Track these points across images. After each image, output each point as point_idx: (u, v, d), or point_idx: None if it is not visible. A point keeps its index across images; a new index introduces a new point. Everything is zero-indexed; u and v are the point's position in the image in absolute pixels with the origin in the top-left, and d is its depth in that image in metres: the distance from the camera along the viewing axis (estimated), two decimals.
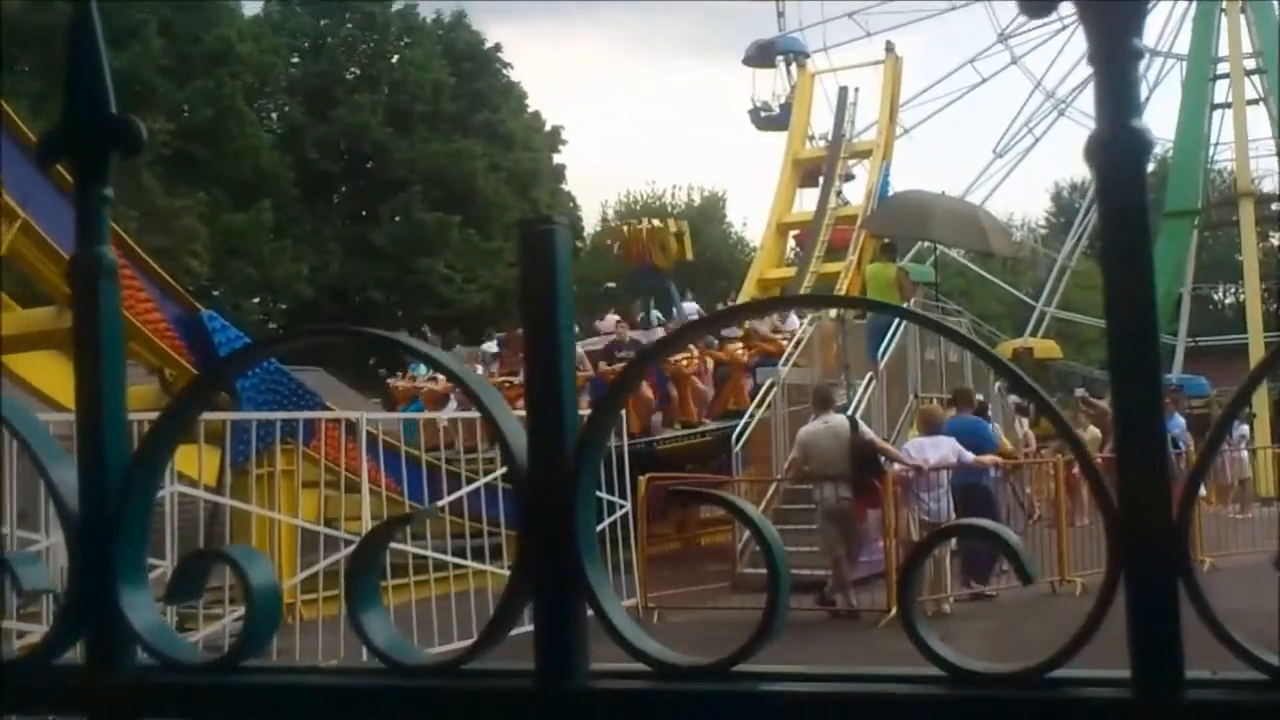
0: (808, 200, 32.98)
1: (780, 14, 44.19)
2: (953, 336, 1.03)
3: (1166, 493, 0.70)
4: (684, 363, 18.58)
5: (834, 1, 45.76)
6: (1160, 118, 44.80)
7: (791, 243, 34.45)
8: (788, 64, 38.92)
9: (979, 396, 18.76)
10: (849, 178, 32.48)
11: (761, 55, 41.29)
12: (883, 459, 12.79)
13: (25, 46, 39.58)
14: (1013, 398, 19.89)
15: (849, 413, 13.97)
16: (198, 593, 1.01)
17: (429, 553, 11.71)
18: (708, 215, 57.55)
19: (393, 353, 44.05)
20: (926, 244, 39.55)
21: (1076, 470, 16.12)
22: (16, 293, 14.27)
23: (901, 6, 45.21)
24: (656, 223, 25.85)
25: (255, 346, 0.95)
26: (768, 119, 38.57)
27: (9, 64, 37.13)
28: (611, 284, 41.47)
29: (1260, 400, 26.87)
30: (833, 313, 23.18)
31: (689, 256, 24.95)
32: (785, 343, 18.87)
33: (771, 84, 40.22)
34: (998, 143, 48.24)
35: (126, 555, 0.92)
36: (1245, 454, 21.55)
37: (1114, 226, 0.73)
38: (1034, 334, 41.92)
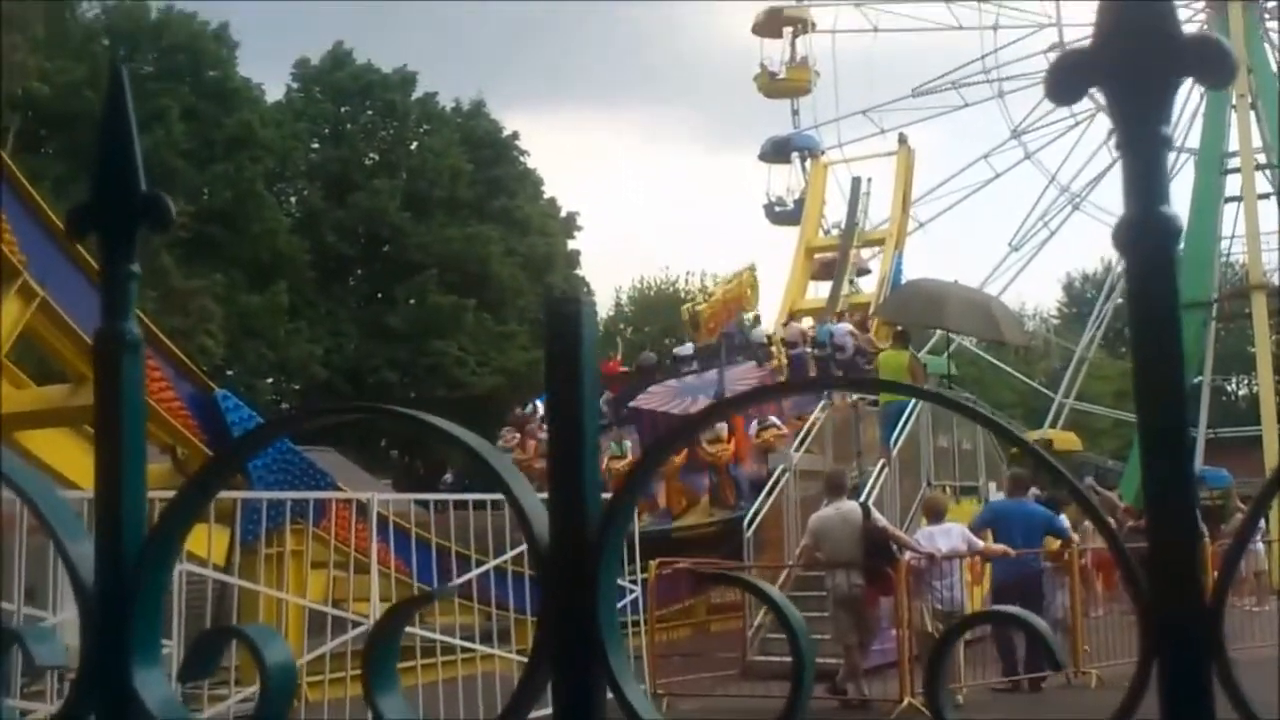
0: (821, 287, 33.15)
1: (795, 111, 44.65)
2: (980, 419, 1.02)
3: (1199, 579, 0.69)
4: (720, 450, 18.55)
5: (848, 97, 46.27)
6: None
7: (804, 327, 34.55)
8: (802, 160, 39.32)
9: (991, 485, 18.72)
10: (864, 272, 32.59)
11: (776, 152, 41.81)
12: (895, 547, 12.69)
13: (51, 130, 40.28)
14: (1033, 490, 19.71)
15: (861, 499, 13.90)
16: (211, 670, 0.99)
17: (437, 636, 11.61)
18: None
19: (407, 432, 43.99)
20: (943, 335, 39.76)
21: (1088, 561, 16.03)
22: (32, 370, 14.34)
23: (915, 103, 45.72)
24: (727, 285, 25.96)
25: (273, 424, 0.95)
26: (782, 214, 38.91)
27: (35, 147, 37.71)
28: (624, 368, 41.57)
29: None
30: (850, 398, 23.24)
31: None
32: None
33: (786, 180, 40.59)
34: (1013, 236, 48.52)
35: (141, 632, 0.92)
36: (1261, 547, 21.33)
37: (1143, 311, 0.73)
38: (1053, 425, 41.74)
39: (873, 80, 64.05)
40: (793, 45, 44.63)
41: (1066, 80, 0.75)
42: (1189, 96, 42.85)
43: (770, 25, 44.35)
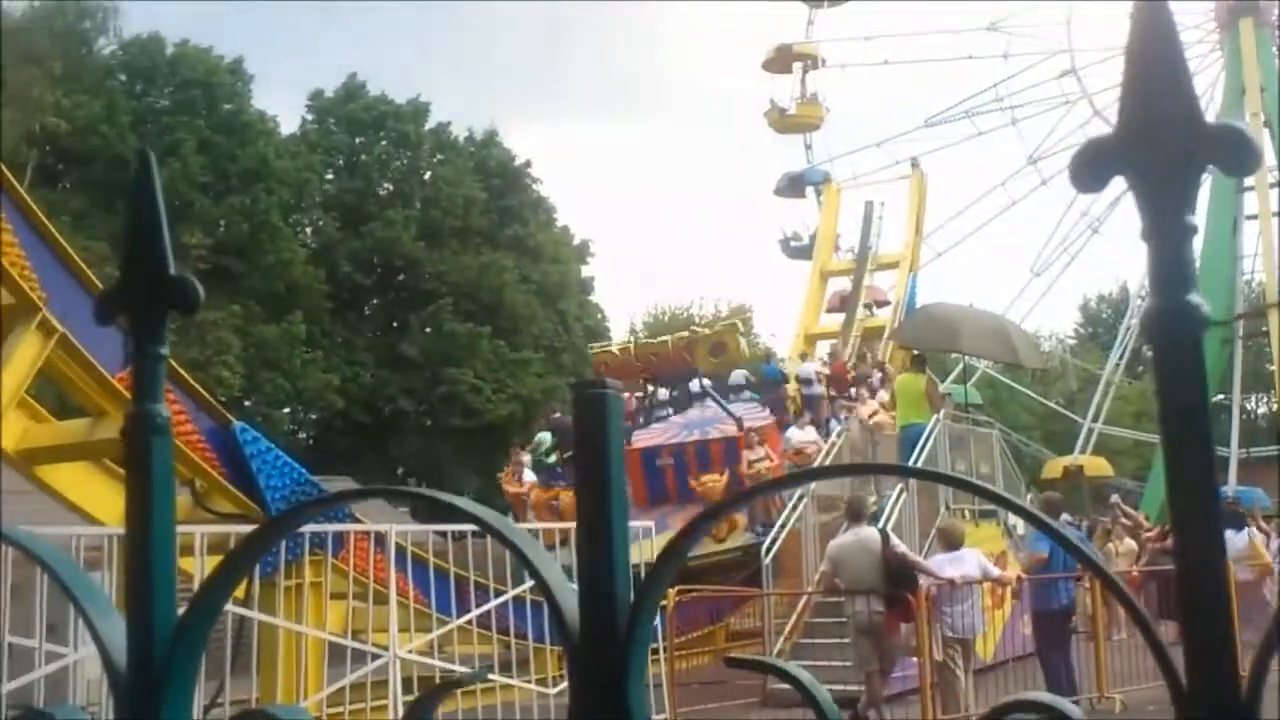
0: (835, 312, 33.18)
1: (808, 146, 44.63)
2: (966, 487, 1.01)
3: (1237, 676, 0.69)
4: (711, 483, 18.51)
5: (861, 129, 46.20)
6: None
7: (819, 353, 34.54)
8: (817, 195, 39.31)
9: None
10: (883, 303, 32.36)
11: (791, 187, 41.84)
12: (915, 573, 12.63)
13: (68, 165, 40.62)
14: (1065, 516, 19.60)
15: (880, 525, 13.84)
16: None
17: (456, 667, 11.59)
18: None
19: (422, 460, 43.95)
20: (967, 366, 39.70)
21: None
22: (52, 405, 14.38)
23: (929, 133, 45.67)
24: (698, 330, 25.48)
25: (296, 511, 0.95)
26: (798, 249, 38.84)
27: (52, 182, 37.98)
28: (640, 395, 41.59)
29: None
30: (868, 420, 23.16)
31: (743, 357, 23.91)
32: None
33: (801, 215, 40.54)
34: (1035, 262, 48.46)
35: (170, 718, 0.92)
36: None
37: (1174, 400, 0.73)
38: (1082, 451, 41.54)
39: (885, 112, 64.22)
40: (803, 81, 44.66)
41: (1090, 169, 0.75)
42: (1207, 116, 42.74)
43: (780, 62, 44.38)
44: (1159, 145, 0.72)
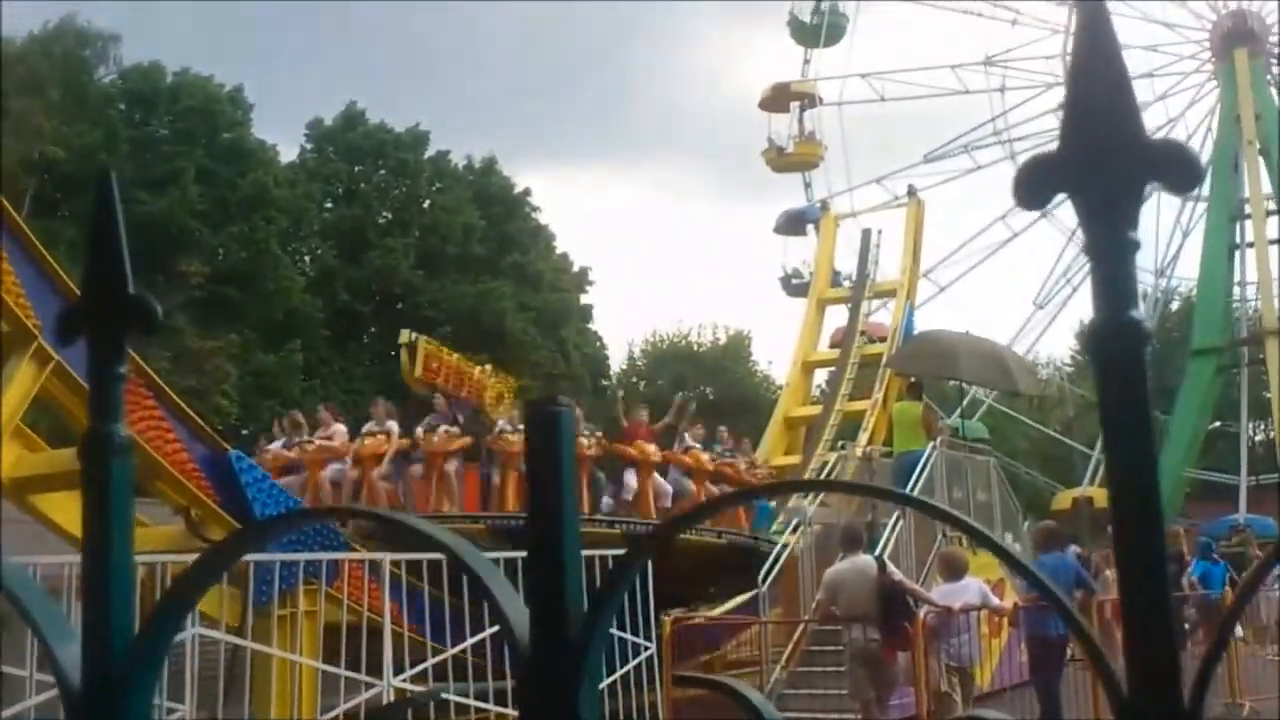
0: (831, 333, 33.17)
1: (807, 184, 44.68)
2: (952, 521, 1.02)
3: (1178, 682, 0.68)
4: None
5: (859, 165, 46.38)
6: (1187, 257, 45.08)
7: (817, 380, 34.52)
8: (817, 232, 39.34)
9: (1008, 535, 18.59)
10: (881, 339, 32.11)
11: (791, 225, 41.89)
12: (912, 601, 12.59)
13: (66, 194, 40.69)
14: (1074, 547, 19.51)
15: (877, 553, 13.81)
16: None
17: (450, 696, 11.53)
18: (734, 354, 57.86)
19: None
20: (976, 397, 39.60)
21: (1109, 612, 15.87)
22: (46, 433, 14.37)
23: (929, 169, 45.80)
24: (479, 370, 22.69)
25: (261, 527, 0.94)
26: (798, 286, 38.82)
27: (51, 211, 38.04)
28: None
29: None
30: (858, 450, 23.15)
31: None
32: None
33: (801, 252, 40.53)
34: (1038, 294, 48.58)
35: None
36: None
37: (1115, 416, 0.73)
38: (1090, 482, 41.51)
39: (883, 147, 64.44)
40: (800, 120, 44.77)
41: (1033, 186, 0.76)
42: (1203, 146, 42.91)
43: (777, 100, 44.48)
44: (1101, 162, 0.72)
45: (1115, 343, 0.73)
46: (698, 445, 18.69)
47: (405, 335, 22.15)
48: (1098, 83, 0.72)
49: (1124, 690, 0.70)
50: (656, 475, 17.86)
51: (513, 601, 0.85)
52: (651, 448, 17.86)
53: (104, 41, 41.92)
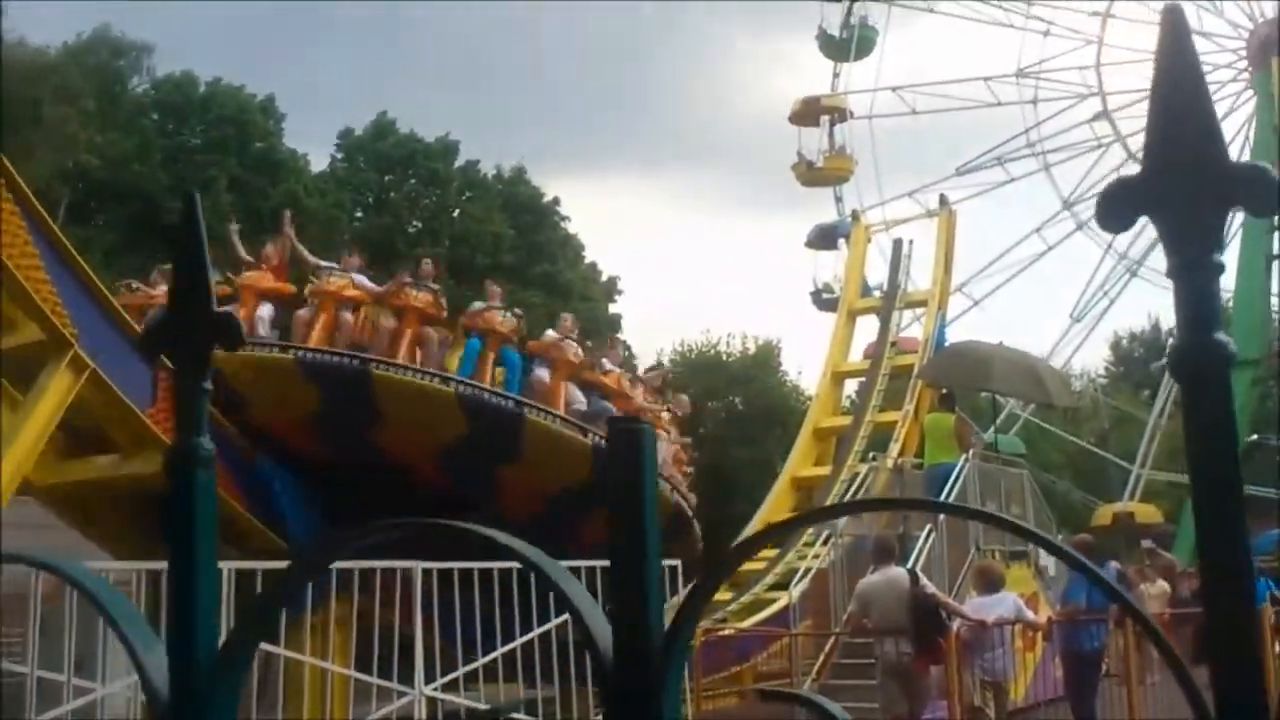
0: (864, 342, 33.04)
1: (838, 198, 44.49)
2: (1013, 529, 1.02)
3: (1264, 702, 0.69)
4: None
5: (891, 178, 46.19)
6: (1226, 268, 44.62)
7: (847, 390, 34.40)
8: (848, 245, 39.25)
9: (1041, 549, 18.45)
10: (910, 352, 31.74)
11: (822, 240, 41.79)
12: (944, 614, 12.52)
13: (101, 203, 41.07)
14: (1113, 564, 19.36)
15: (909, 565, 13.75)
16: None
17: (481, 705, 11.55)
18: (763, 364, 57.70)
19: None
20: (1012, 412, 39.23)
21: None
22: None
23: (962, 182, 45.56)
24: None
25: (328, 545, 0.96)
26: (829, 301, 38.70)
27: (85, 219, 38.38)
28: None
29: None
30: (889, 462, 23.06)
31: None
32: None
33: (833, 267, 40.40)
34: (1074, 307, 48.24)
35: None
36: None
37: (1201, 435, 0.74)
38: (1130, 497, 41.14)
39: (915, 161, 64.17)
40: (830, 134, 44.64)
41: (1116, 209, 0.77)
42: (1240, 155, 42.54)
43: (806, 115, 44.39)
44: (1185, 186, 0.73)
45: (1199, 362, 0.73)
46: (617, 369, 17.62)
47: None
48: (1181, 107, 0.73)
49: (1209, 707, 0.71)
50: (571, 385, 16.41)
51: (594, 613, 0.86)
52: (573, 349, 16.59)
53: (137, 52, 42.30)
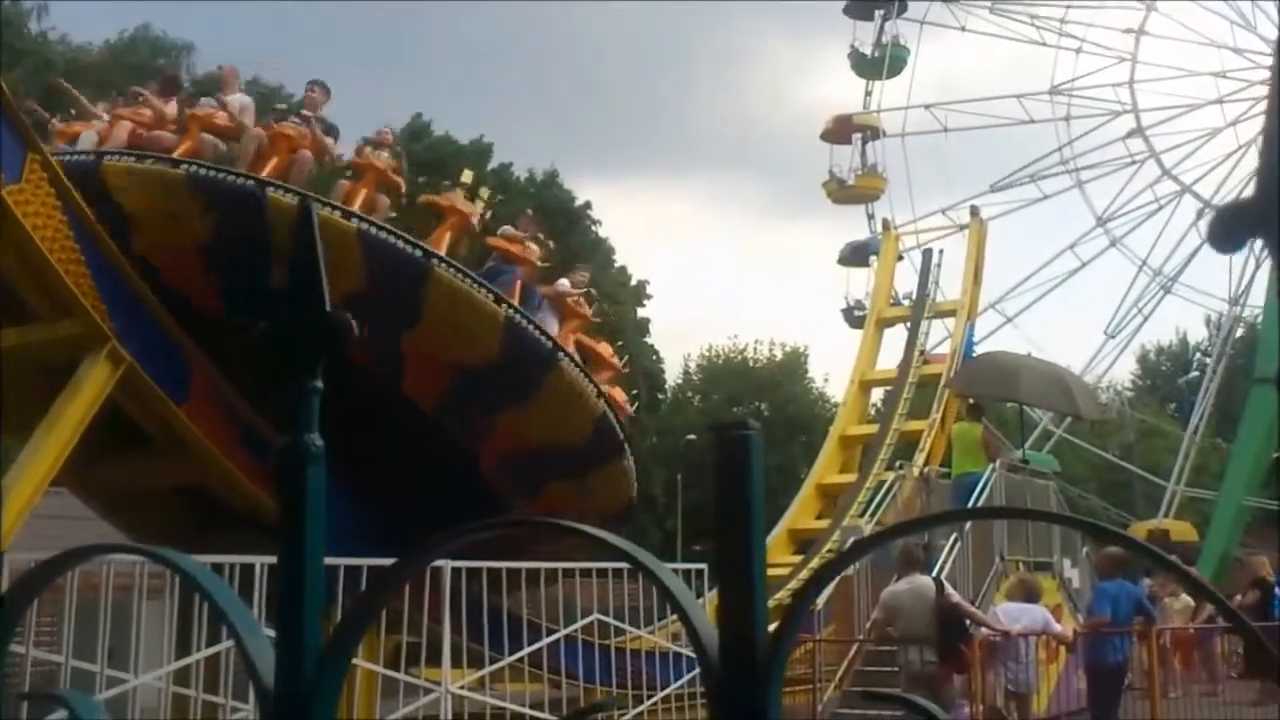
0: (891, 355, 33.02)
1: (870, 215, 44.35)
2: (1094, 530, 1.04)
3: None
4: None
5: (923, 196, 46.01)
6: (1261, 285, 44.44)
7: (874, 398, 34.35)
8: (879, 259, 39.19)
9: (1066, 561, 18.38)
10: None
11: (855, 256, 41.79)
12: (969, 623, 12.49)
13: None
14: (1146, 580, 19.25)
15: (934, 574, 13.71)
16: None
17: (507, 704, 11.61)
18: (789, 371, 57.65)
19: None
20: (1046, 428, 38.94)
21: (1166, 640, 15.65)
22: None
23: (995, 199, 45.38)
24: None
25: (427, 547, 0.98)
26: (860, 318, 38.72)
27: None
28: (692, 436, 41.53)
29: None
30: (915, 470, 22.99)
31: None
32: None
33: (865, 284, 40.34)
34: (1109, 324, 48.06)
35: None
36: None
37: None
38: (1166, 514, 40.91)
39: (948, 178, 63.98)
40: (863, 152, 44.61)
41: (1229, 229, 0.78)
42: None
43: (839, 133, 44.37)
44: None
45: None
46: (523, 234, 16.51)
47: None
48: None
49: None
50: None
51: (700, 618, 0.88)
52: (536, 251, 15.76)
53: (178, 51, 42.59)
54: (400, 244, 12.91)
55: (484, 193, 16.58)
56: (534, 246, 15.57)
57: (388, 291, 12.08)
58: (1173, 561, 0.92)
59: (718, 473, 0.90)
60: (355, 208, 13.28)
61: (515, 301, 13.83)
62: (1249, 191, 0.77)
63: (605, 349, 16.59)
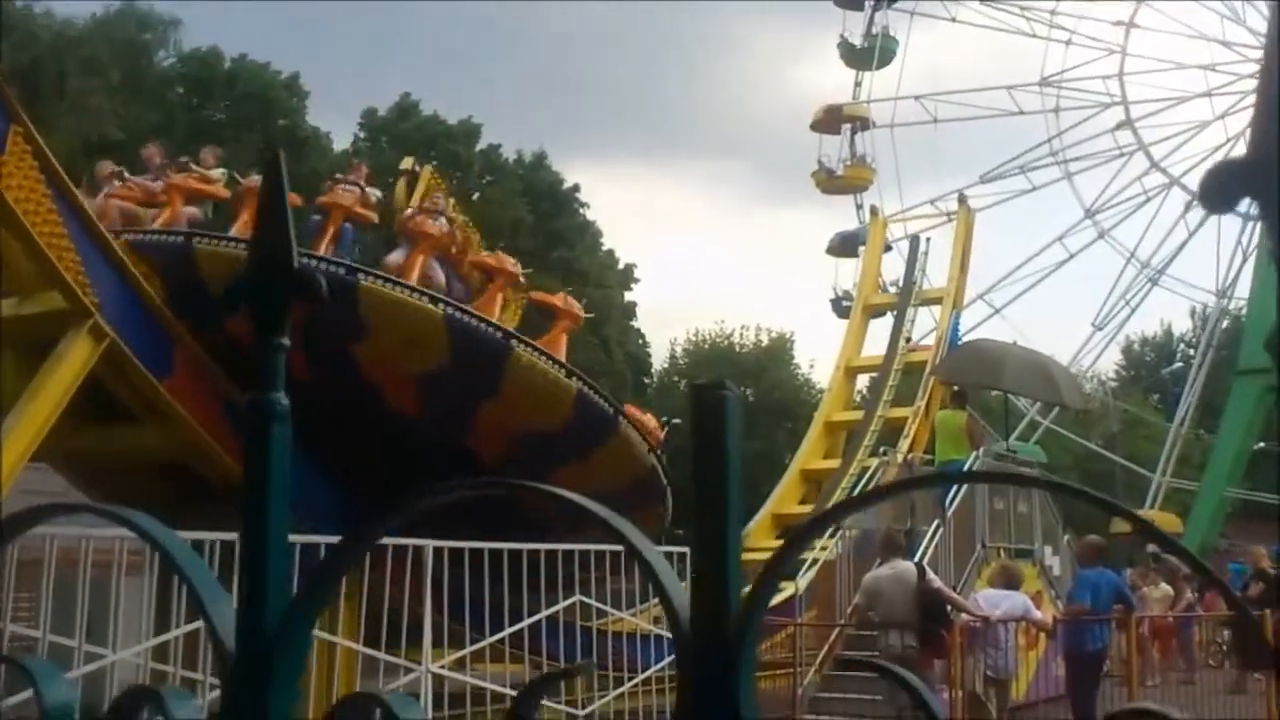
0: (876, 343, 33.03)
1: (859, 205, 44.38)
2: (1102, 504, 1.03)
3: None
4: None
5: (912, 186, 46.12)
6: (1248, 278, 44.62)
7: (859, 385, 34.37)
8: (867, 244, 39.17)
9: (1047, 549, 18.46)
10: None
11: (843, 247, 41.81)
12: (949, 608, 12.54)
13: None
14: (1129, 570, 19.35)
15: (916, 559, 13.75)
16: None
17: (487, 684, 11.59)
18: (775, 357, 57.67)
19: None
20: (1033, 419, 38.98)
21: (1145, 629, 15.75)
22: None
23: (984, 190, 45.42)
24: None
25: (398, 505, 0.96)
26: (848, 308, 38.78)
27: None
28: (677, 420, 41.51)
29: None
30: (899, 457, 23.03)
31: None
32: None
33: (853, 274, 40.37)
34: (1096, 316, 48.21)
35: (278, 696, 0.94)
36: None
37: None
38: (1151, 505, 41.09)
39: (937, 169, 64.05)
40: (852, 143, 44.61)
41: (1221, 190, 0.76)
42: None
43: (828, 123, 44.34)
44: None
45: None
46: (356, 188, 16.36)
47: (407, 162, 19.49)
48: None
49: None
50: (434, 263, 15.43)
51: (674, 584, 0.86)
52: (435, 227, 15.80)
53: (164, 26, 42.28)
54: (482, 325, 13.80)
55: (425, 170, 17.11)
56: (434, 226, 15.73)
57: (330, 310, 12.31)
58: (1180, 546, 0.90)
59: (695, 430, 0.88)
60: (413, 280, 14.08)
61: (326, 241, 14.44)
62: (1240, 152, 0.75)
63: (560, 298, 17.64)
